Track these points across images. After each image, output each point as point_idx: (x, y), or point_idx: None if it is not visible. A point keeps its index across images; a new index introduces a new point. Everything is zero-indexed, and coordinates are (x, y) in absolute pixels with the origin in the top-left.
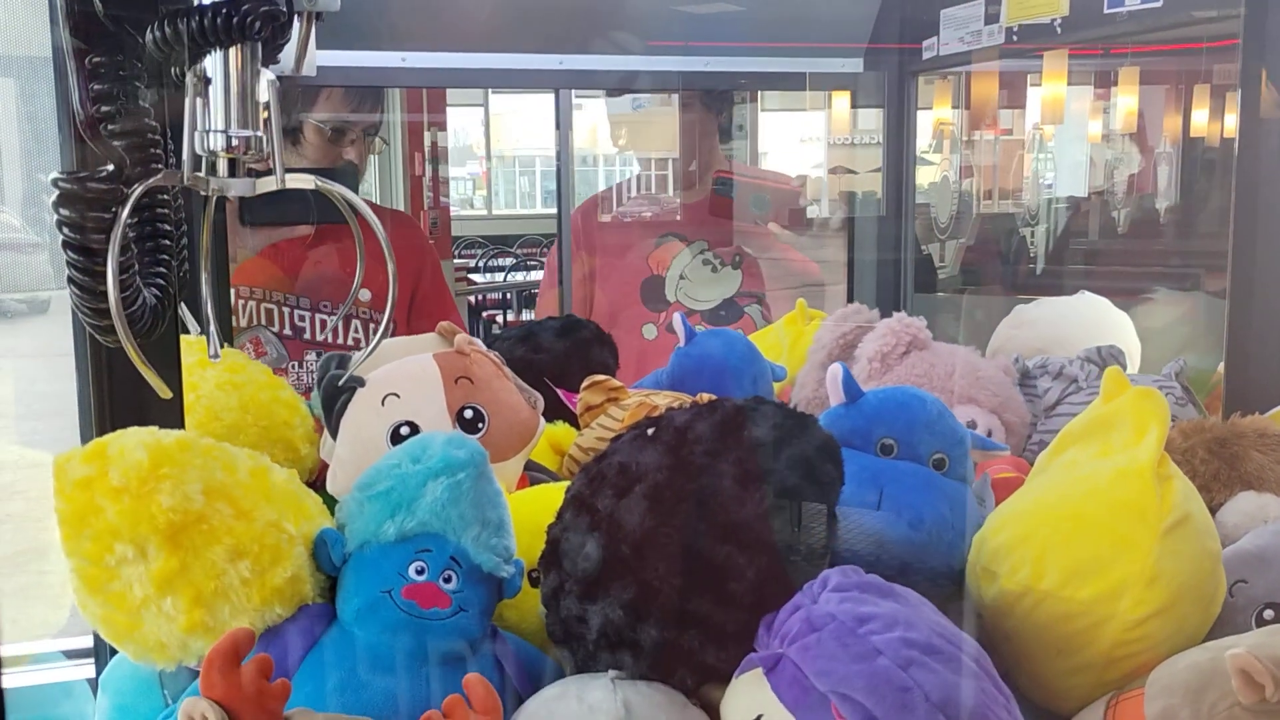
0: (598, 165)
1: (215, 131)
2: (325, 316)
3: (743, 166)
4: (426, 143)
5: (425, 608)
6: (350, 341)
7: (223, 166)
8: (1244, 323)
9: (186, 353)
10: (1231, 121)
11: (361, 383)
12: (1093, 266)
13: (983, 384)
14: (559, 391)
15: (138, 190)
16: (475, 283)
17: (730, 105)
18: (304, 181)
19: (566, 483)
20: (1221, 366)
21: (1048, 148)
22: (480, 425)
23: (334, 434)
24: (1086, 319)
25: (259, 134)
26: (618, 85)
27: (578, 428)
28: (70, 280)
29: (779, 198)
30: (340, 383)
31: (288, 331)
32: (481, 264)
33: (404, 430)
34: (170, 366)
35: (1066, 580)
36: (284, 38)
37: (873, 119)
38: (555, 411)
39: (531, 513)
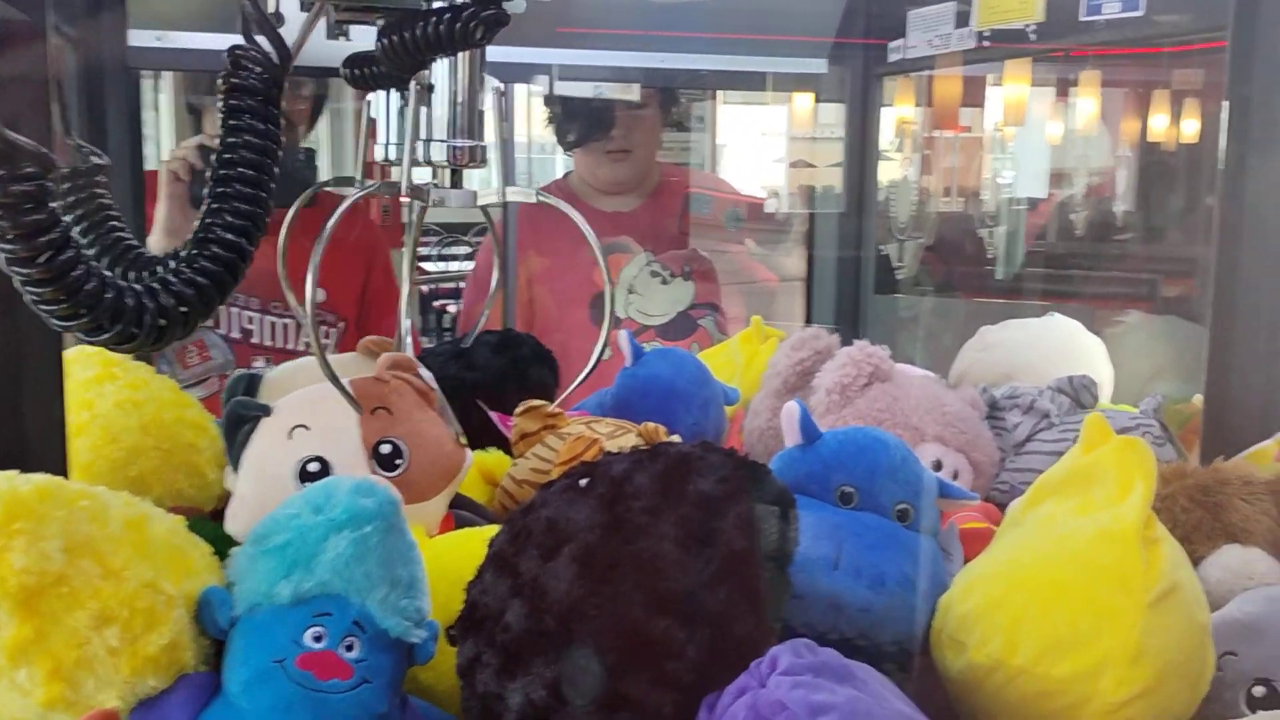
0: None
1: (437, 141)
2: (276, 318)
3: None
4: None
5: (323, 679)
6: (302, 346)
7: (446, 177)
8: (1225, 356)
9: (79, 368)
10: (1190, 127)
11: (267, 411)
12: (1052, 270)
13: (949, 421)
14: (493, 415)
15: (349, 200)
16: (427, 272)
17: (677, 104)
18: (524, 195)
19: (496, 528)
20: (1197, 397)
21: (1008, 148)
22: (399, 462)
23: (235, 467)
24: (1056, 344)
25: (482, 144)
26: (573, 78)
27: (512, 455)
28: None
29: (752, 212)
30: (243, 410)
31: (235, 334)
32: (435, 252)
33: (313, 467)
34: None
35: (1042, 655)
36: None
37: (834, 112)
38: (489, 437)
39: (454, 561)
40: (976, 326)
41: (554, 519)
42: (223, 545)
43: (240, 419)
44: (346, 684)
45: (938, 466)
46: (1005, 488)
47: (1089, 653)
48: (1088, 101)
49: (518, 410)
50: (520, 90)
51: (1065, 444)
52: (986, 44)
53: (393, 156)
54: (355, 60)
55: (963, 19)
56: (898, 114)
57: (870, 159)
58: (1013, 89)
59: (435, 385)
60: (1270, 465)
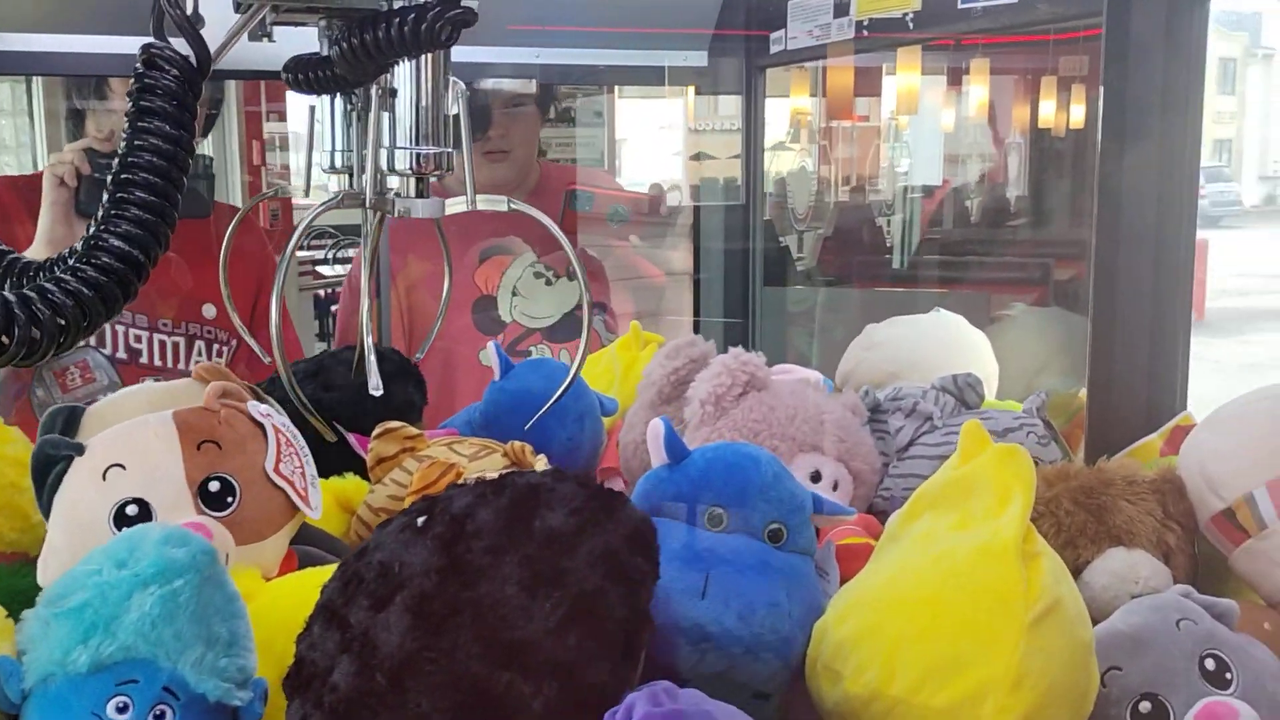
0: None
1: (400, 149)
2: (166, 336)
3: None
4: (267, 132)
5: None
6: (192, 367)
7: (410, 186)
8: (1107, 347)
9: None
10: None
11: (79, 449)
12: (948, 256)
13: (828, 429)
14: (350, 438)
15: (316, 211)
16: (323, 275)
17: (556, 100)
18: (497, 204)
19: None
20: (1083, 390)
21: (903, 137)
22: (230, 500)
23: (46, 513)
24: (941, 340)
25: (448, 150)
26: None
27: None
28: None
29: (637, 208)
30: (51, 449)
31: (121, 354)
32: (331, 255)
33: (131, 510)
34: None
35: (920, 684)
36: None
37: (734, 105)
38: (347, 461)
39: (292, 607)
40: (872, 317)
41: (387, 563)
42: None
43: (49, 459)
44: None
45: (816, 478)
46: (888, 495)
47: (968, 679)
48: (978, 89)
49: (375, 433)
50: None
51: (948, 447)
52: (866, 33)
53: (339, 164)
54: (298, 64)
55: (841, 9)
56: (793, 105)
57: (756, 150)
58: (905, 78)
59: (277, 415)
60: (1156, 461)
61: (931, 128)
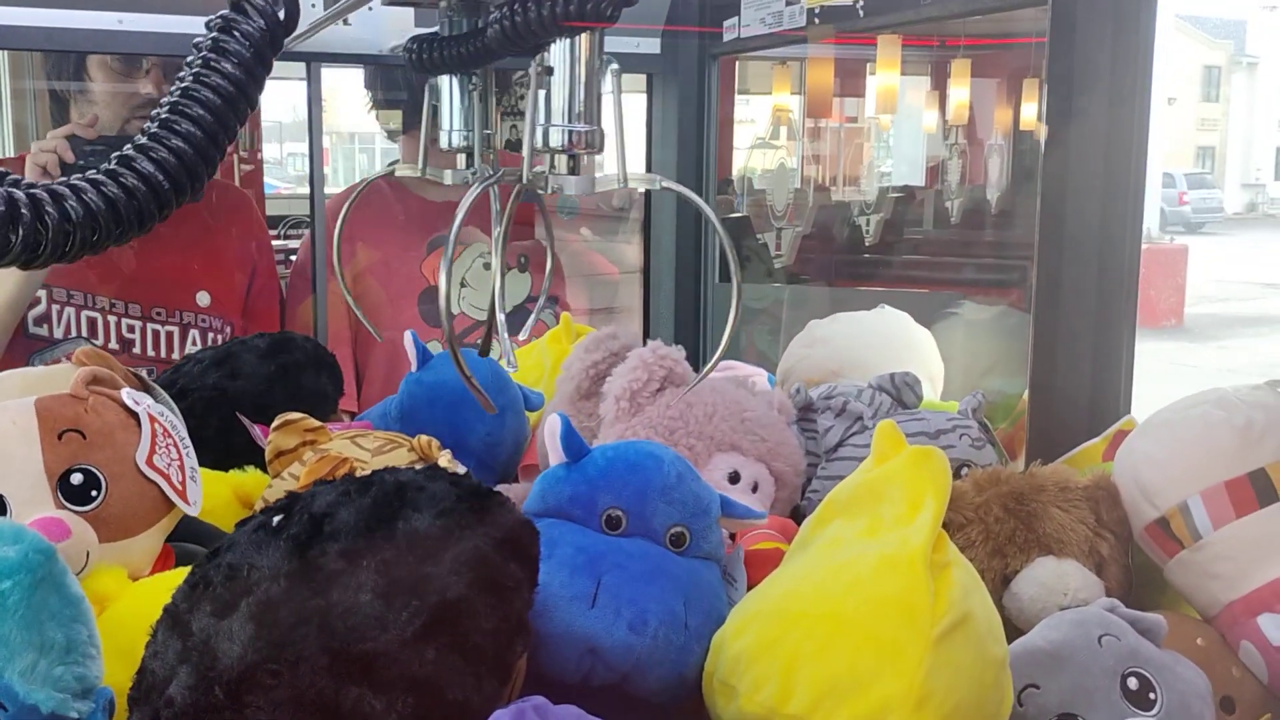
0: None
1: (555, 126)
2: (159, 326)
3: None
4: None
5: None
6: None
7: (563, 163)
8: (1048, 352)
9: None
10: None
11: None
12: (926, 257)
13: (749, 427)
14: (253, 428)
15: (475, 190)
16: None
17: (512, 86)
18: (647, 181)
19: None
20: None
21: (885, 137)
22: (95, 494)
23: None
24: (885, 338)
25: (598, 129)
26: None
27: None
28: None
29: (588, 201)
30: None
31: (114, 345)
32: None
33: None
34: None
35: (818, 702)
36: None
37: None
38: (254, 453)
39: (156, 610)
40: (827, 313)
41: (236, 565)
42: None
43: None
44: None
45: (735, 479)
46: (815, 496)
47: (869, 698)
48: (959, 91)
49: (274, 424)
50: (342, 75)
51: None
52: (817, 21)
53: (457, 143)
54: (419, 43)
55: None
56: (774, 101)
57: (709, 142)
58: (885, 77)
59: (154, 404)
60: (1093, 467)
61: (914, 127)
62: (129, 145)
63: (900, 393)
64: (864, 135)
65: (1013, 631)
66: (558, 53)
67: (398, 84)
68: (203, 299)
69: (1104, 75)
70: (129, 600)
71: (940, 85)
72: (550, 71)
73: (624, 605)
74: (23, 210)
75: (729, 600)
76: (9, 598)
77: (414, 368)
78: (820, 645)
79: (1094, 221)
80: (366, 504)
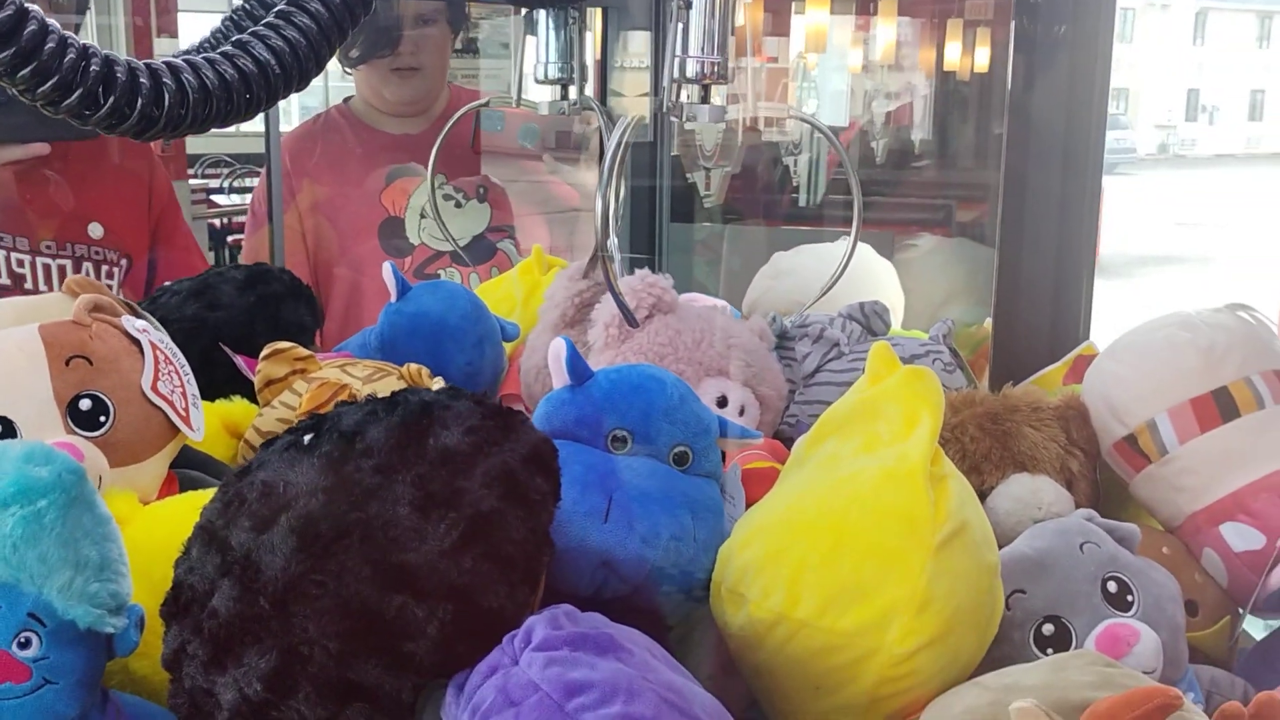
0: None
1: (693, 58)
2: (50, 259)
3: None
4: (157, 51)
5: None
6: None
7: (695, 94)
8: (1013, 278)
9: None
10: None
11: None
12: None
13: (735, 353)
14: (238, 359)
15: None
16: (219, 204)
17: (467, 22)
18: (776, 110)
19: None
20: (989, 320)
21: (811, 77)
22: (103, 420)
23: None
24: (848, 269)
25: (726, 60)
26: None
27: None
28: None
29: (548, 125)
30: None
31: (5, 280)
32: (227, 184)
33: None
34: None
35: (825, 607)
36: None
37: (642, 41)
38: (234, 384)
39: (170, 531)
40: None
41: (270, 483)
42: None
43: None
44: (22, 688)
45: (723, 402)
46: (794, 421)
47: (874, 603)
48: (886, 30)
49: (263, 353)
50: None
51: (855, 374)
52: None
53: (552, 75)
54: None
55: None
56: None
57: (658, 85)
58: (813, 16)
59: (154, 331)
60: (1059, 389)
61: (839, 66)
62: (246, 32)
63: (870, 321)
64: (790, 75)
65: None
66: None
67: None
68: (95, 231)
69: (1067, 13)
70: (141, 523)
71: (866, 22)
72: (689, 5)
73: (636, 519)
74: (142, 80)
75: (729, 517)
76: (45, 516)
77: (393, 298)
78: (826, 554)
79: (1056, 157)
80: (396, 422)
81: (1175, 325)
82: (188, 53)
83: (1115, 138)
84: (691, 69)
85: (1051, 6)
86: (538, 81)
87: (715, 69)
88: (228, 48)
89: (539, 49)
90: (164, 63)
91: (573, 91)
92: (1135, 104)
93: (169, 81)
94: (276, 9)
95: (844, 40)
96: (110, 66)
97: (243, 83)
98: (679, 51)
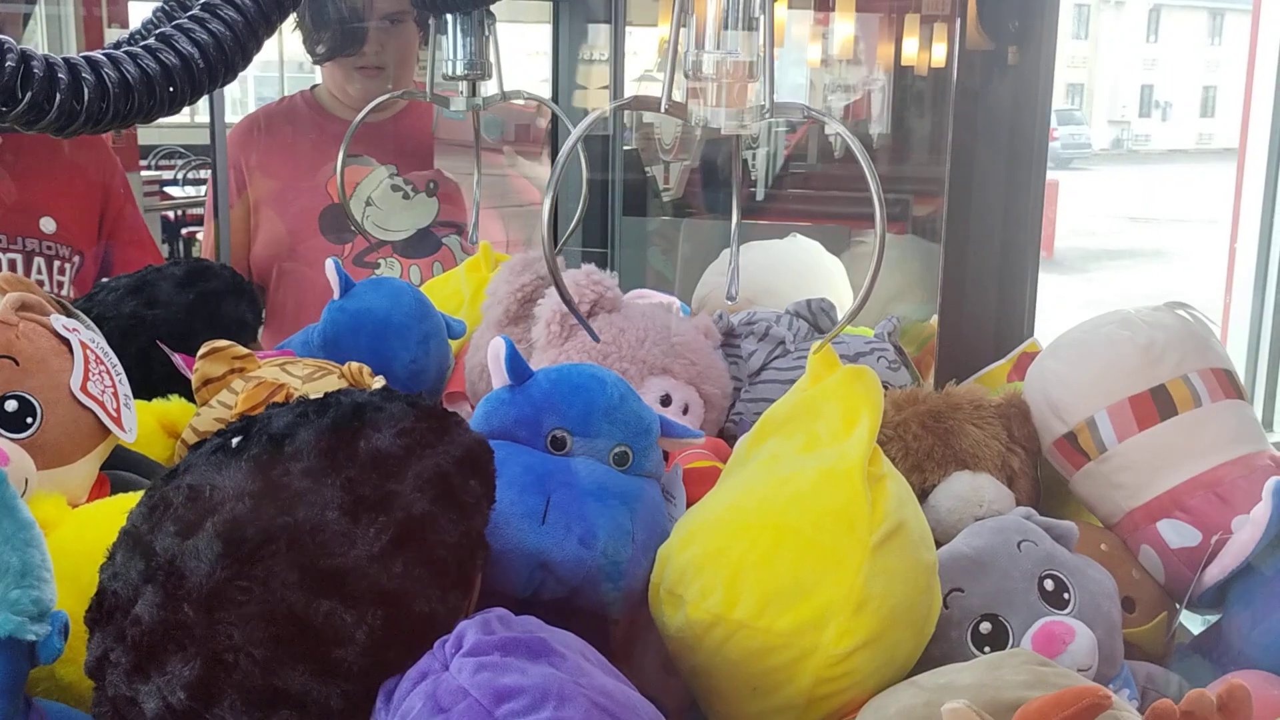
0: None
1: (706, 53)
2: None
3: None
4: (108, 40)
5: None
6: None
7: (712, 93)
8: (959, 275)
9: None
10: (939, 52)
11: None
12: (811, 191)
13: (679, 352)
14: (175, 357)
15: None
16: (172, 197)
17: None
18: (791, 112)
19: None
20: (935, 320)
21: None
22: (30, 421)
23: None
24: (797, 266)
25: (748, 59)
26: None
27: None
28: None
29: (509, 118)
30: None
31: None
32: (181, 176)
33: None
34: None
35: (763, 608)
36: None
37: (602, 35)
38: (172, 383)
39: (99, 535)
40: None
41: (197, 486)
42: None
43: None
44: None
45: (667, 401)
46: (739, 419)
47: (811, 603)
48: (844, 25)
49: (200, 352)
50: None
51: (800, 372)
52: None
53: (459, 71)
54: None
55: None
56: (660, 34)
57: (617, 79)
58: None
59: (87, 329)
60: (1003, 386)
61: (798, 60)
62: (170, 25)
63: (816, 318)
64: (748, 70)
65: None
66: None
67: (325, 9)
68: (47, 225)
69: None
70: (70, 527)
71: (825, 17)
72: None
73: (574, 521)
74: (60, 76)
75: (670, 517)
76: None
77: (336, 295)
78: (764, 554)
79: (1001, 156)
80: (326, 424)
81: (1115, 324)
82: (118, 45)
83: (1070, 133)
84: (704, 65)
85: (1000, 2)
86: (445, 78)
87: (737, 68)
88: (151, 41)
89: (446, 47)
90: (84, 57)
91: (490, 87)
92: (1090, 100)
93: (88, 76)
94: (203, 1)
95: (802, 34)
96: (27, 61)
97: (165, 76)
98: (688, 47)
